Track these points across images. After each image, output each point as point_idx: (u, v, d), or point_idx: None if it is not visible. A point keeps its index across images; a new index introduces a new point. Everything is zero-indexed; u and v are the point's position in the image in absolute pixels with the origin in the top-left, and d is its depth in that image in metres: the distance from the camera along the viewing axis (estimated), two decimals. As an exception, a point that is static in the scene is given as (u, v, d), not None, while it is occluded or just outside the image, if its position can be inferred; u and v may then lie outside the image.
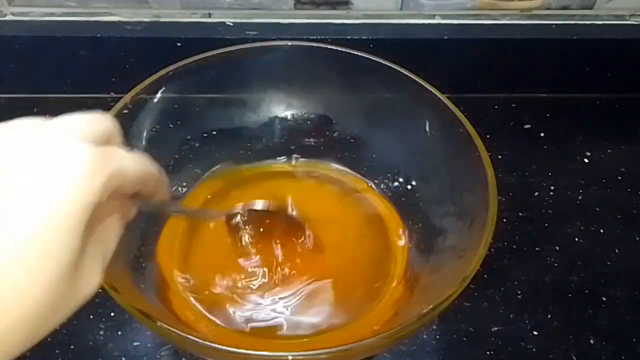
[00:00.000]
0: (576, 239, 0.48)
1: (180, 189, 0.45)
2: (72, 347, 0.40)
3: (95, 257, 0.22)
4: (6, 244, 0.18)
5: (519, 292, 0.44)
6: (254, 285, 0.40)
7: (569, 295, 0.44)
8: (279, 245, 0.41)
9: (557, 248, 0.47)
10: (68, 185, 0.19)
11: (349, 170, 0.47)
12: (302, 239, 0.42)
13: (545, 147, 0.55)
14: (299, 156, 0.48)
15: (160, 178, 0.27)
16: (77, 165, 0.20)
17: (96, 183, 0.20)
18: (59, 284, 0.19)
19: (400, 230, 0.43)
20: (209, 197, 0.45)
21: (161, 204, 0.30)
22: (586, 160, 0.54)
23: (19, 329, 0.18)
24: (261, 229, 0.41)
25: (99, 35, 0.53)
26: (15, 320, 0.18)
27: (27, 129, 0.21)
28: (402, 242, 0.43)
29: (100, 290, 0.23)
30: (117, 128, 0.25)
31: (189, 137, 0.45)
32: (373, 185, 0.46)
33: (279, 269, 0.41)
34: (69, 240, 0.19)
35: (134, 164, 0.23)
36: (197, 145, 0.45)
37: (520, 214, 0.49)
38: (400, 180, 0.45)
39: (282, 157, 0.48)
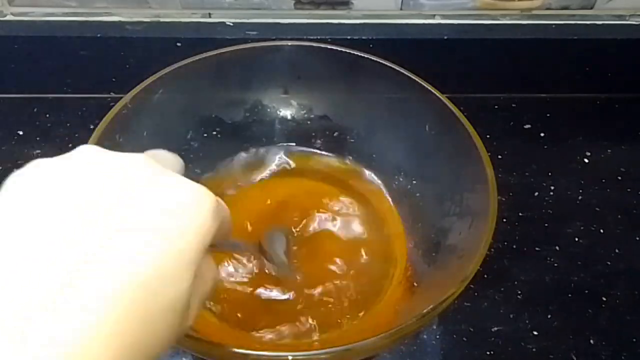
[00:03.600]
0: (576, 239, 0.48)
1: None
2: (72, 347, 0.40)
3: (196, 301, 0.22)
4: (128, 274, 0.18)
5: (519, 292, 0.44)
6: (255, 285, 0.40)
7: (569, 295, 0.44)
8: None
9: (557, 248, 0.47)
10: (194, 224, 0.20)
11: (349, 170, 0.47)
12: (303, 239, 0.42)
13: (545, 147, 0.55)
14: (299, 156, 0.48)
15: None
16: (204, 201, 0.21)
17: (214, 227, 0.21)
18: (168, 321, 0.20)
19: (401, 230, 0.43)
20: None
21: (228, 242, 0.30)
22: (586, 160, 0.54)
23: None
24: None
25: (99, 35, 0.53)
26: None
27: (143, 172, 0.21)
28: (402, 242, 0.43)
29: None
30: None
31: (189, 137, 0.45)
32: (373, 185, 0.46)
33: (279, 272, 0.41)
34: (186, 281, 0.20)
35: (228, 211, 0.24)
36: (197, 145, 0.45)
37: (520, 214, 0.49)
38: (401, 180, 0.45)
39: (282, 157, 0.48)
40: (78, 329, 0.17)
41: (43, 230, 0.19)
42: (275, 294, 0.40)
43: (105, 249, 0.18)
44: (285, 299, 0.39)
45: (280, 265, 0.39)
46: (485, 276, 0.44)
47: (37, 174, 0.20)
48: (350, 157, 0.47)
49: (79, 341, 0.17)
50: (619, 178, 0.52)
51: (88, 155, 0.22)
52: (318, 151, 0.48)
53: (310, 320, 0.39)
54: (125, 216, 0.19)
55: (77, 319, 0.17)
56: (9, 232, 0.19)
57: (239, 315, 0.39)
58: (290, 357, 0.27)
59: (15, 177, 0.20)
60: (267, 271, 0.40)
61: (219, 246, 0.26)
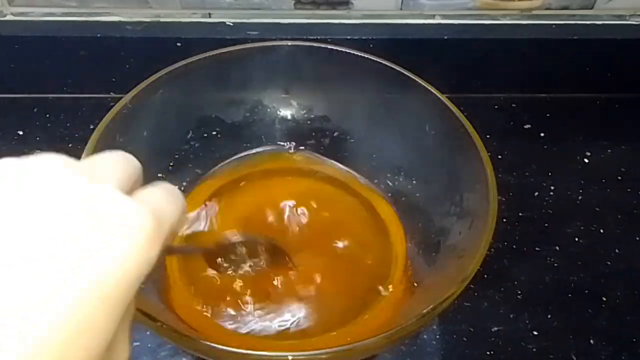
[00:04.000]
0: (576, 239, 0.48)
1: (180, 188, 0.45)
2: (72, 347, 0.40)
3: (124, 330, 0.19)
4: (48, 309, 0.15)
5: (519, 292, 0.44)
6: (255, 285, 0.40)
7: (569, 295, 0.44)
8: (281, 245, 0.41)
9: (557, 248, 0.47)
10: (124, 255, 0.17)
11: (349, 170, 0.47)
12: (303, 241, 0.42)
13: (545, 147, 0.55)
14: (299, 156, 0.48)
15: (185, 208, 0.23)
16: (136, 234, 0.17)
17: (152, 254, 0.18)
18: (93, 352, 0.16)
19: (401, 231, 0.43)
20: (208, 198, 0.45)
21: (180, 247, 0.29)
22: (586, 160, 0.54)
23: None
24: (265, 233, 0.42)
25: (99, 35, 0.53)
26: None
27: (61, 174, 0.18)
28: (402, 242, 0.43)
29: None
30: (140, 170, 0.22)
31: (189, 137, 0.45)
32: (373, 185, 0.46)
33: (280, 269, 0.41)
34: (111, 317, 0.17)
35: (177, 210, 0.21)
36: (197, 145, 0.45)
37: (520, 214, 0.49)
38: (401, 180, 0.45)
39: (282, 157, 0.48)
40: None
41: None
42: (274, 293, 0.40)
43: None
44: (285, 299, 0.39)
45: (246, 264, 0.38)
46: (485, 276, 0.44)
47: None
48: (350, 157, 0.47)
49: None
50: (619, 178, 0.52)
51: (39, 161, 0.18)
52: (318, 151, 0.48)
53: (310, 320, 0.39)
54: (39, 259, 0.16)
55: None
56: None
57: (238, 314, 0.39)
58: (290, 357, 0.27)
59: None
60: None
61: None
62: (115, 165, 0.20)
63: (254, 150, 0.47)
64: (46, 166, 0.18)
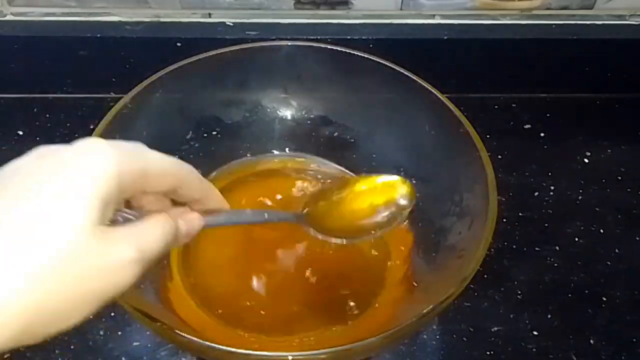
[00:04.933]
0: (576, 239, 0.48)
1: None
2: (72, 347, 0.40)
3: (125, 237, 0.22)
4: (30, 209, 0.20)
5: (519, 292, 0.44)
6: (255, 285, 0.40)
7: (569, 295, 0.44)
8: (281, 247, 0.41)
9: (557, 248, 0.47)
10: (84, 162, 0.21)
11: (349, 170, 0.47)
12: (303, 240, 0.42)
13: (545, 147, 0.55)
14: (299, 156, 0.48)
15: (204, 183, 0.29)
16: (92, 147, 0.22)
17: (107, 163, 0.22)
18: (78, 238, 0.20)
19: (401, 231, 0.43)
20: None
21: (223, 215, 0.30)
22: (586, 160, 0.54)
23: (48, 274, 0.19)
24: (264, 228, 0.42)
25: (99, 35, 0.53)
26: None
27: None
28: (402, 242, 0.43)
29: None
30: None
31: (189, 137, 0.45)
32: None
33: (280, 269, 0.41)
34: (83, 203, 0.20)
35: (157, 157, 0.25)
36: (197, 145, 0.45)
37: (520, 214, 0.49)
38: (400, 180, 0.45)
39: (282, 157, 0.48)
40: None
41: None
42: (274, 292, 0.40)
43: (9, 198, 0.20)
44: (284, 299, 0.39)
45: None
46: (485, 276, 0.44)
47: None
48: (350, 157, 0.47)
49: None
50: (619, 178, 0.52)
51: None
52: (318, 151, 0.48)
53: (309, 320, 0.39)
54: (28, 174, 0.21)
55: None
56: None
57: (237, 314, 0.39)
58: (290, 357, 0.27)
59: None
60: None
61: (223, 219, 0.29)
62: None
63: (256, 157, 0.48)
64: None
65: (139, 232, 0.23)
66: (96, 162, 0.21)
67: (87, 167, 0.21)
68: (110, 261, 0.21)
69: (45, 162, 0.21)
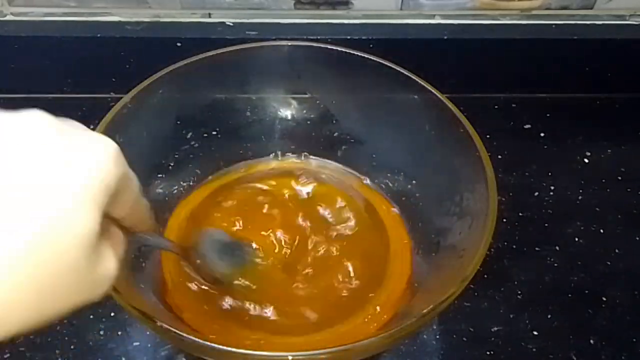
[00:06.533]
0: (576, 239, 0.48)
1: (181, 189, 0.45)
2: (72, 347, 0.40)
3: (109, 249, 0.23)
4: (41, 203, 0.19)
5: (519, 292, 0.44)
6: (255, 285, 0.40)
7: (569, 295, 0.44)
8: (281, 246, 0.41)
9: (557, 248, 0.47)
10: (98, 166, 0.21)
11: (349, 170, 0.47)
12: (303, 239, 0.42)
13: (545, 147, 0.55)
14: (299, 156, 0.48)
15: (150, 211, 0.28)
16: (109, 152, 0.22)
17: (117, 173, 0.22)
18: (78, 252, 0.20)
19: (401, 231, 0.43)
20: (208, 197, 0.45)
21: (151, 237, 0.30)
22: (586, 160, 0.54)
23: (39, 290, 0.19)
24: (264, 231, 0.42)
25: (99, 35, 0.53)
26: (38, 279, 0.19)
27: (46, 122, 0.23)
28: (402, 242, 0.43)
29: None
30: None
31: (189, 137, 0.45)
32: (373, 185, 0.46)
33: (280, 269, 0.41)
34: (91, 212, 0.20)
35: (136, 181, 0.25)
36: (197, 145, 0.45)
37: (520, 214, 0.49)
38: (400, 180, 0.45)
39: (282, 157, 0.48)
40: None
41: None
42: (272, 291, 0.40)
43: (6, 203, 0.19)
44: (284, 299, 0.39)
45: (216, 268, 0.38)
46: (485, 276, 0.44)
47: None
48: (350, 157, 0.47)
49: None
50: (619, 178, 0.52)
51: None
52: (318, 151, 0.48)
53: (309, 319, 0.39)
54: (24, 170, 0.20)
55: None
56: None
57: (235, 313, 0.39)
58: (290, 357, 0.27)
59: None
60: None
61: (143, 241, 0.29)
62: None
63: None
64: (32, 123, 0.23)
65: (117, 247, 0.24)
66: (109, 171, 0.21)
67: (102, 173, 0.21)
68: (98, 275, 0.21)
69: (54, 141, 0.21)
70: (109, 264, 0.22)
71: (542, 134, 0.56)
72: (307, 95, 0.47)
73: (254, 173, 0.47)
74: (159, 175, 0.43)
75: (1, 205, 0.19)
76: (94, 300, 0.22)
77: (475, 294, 0.44)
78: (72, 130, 0.22)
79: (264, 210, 0.43)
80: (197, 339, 0.28)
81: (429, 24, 0.56)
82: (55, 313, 0.20)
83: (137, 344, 0.40)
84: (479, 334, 0.42)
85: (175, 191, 0.44)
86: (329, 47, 0.43)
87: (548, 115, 0.57)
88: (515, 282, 0.45)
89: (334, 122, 0.47)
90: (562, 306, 0.44)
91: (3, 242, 0.18)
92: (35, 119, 0.23)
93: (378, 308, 0.39)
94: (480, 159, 0.36)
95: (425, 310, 0.30)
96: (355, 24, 0.55)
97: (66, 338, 0.40)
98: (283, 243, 0.41)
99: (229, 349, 0.28)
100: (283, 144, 0.48)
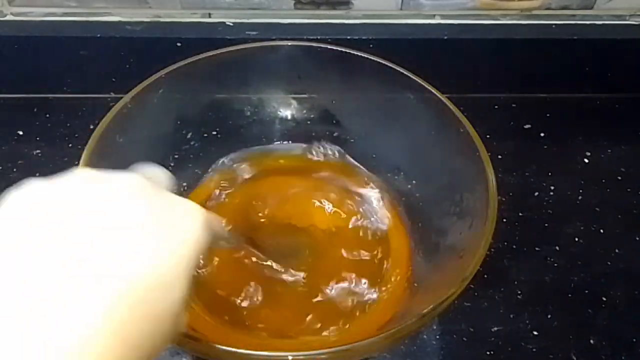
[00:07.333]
0: (576, 239, 0.48)
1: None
2: (72, 347, 0.40)
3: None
4: (139, 275, 0.20)
5: (519, 292, 0.44)
6: (255, 285, 0.40)
7: (569, 295, 0.44)
8: (281, 247, 0.41)
9: (557, 248, 0.47)
10: (189, 236, 0.22)
11: (349, 169, 0.47)
12: (304, 241, 0.42)
13: (545, 147, 0.55)
14: (297, 156, 0.48)
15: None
16: (197, 216, 0.23)
17: (207, 239, 0.23)
18: (172, 317, 0.21)
19: (402, 230, 0.43)
20: (207, 200, 0.45)
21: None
22: (586, 160, 0.54)
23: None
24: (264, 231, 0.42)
25: (99, 35, 0.53)
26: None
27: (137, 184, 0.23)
28: (402, 242, 0.43)
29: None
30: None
31: (189, 137, 0.45)
32: (373, 185, 0.46)
33: (280, 269, 0.41)
34: (186, 280, 0.21)
35: (220, 225, 0.27)
36: (197, 145, 0.45)
37: (520, 214, 0.49)
38: (401, 180, 0.45)
39: (282, 157, 0.48)
40: (79, 333, 0.18)
41: (41, 247, 0.19)
42: (273, 292, 0.40)
43: (109, 258, 0.19)
44: (284, 300, 0.39)
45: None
46: (485, 276, 0.44)
47: (34, 194, 0.22)
48: (350, 157, 0.47)
49: (79, 345, 0.17)
50: (619, 178, 0.52)
51: (85, 176, 0.23)
52: (318, 151, 0.48)
53: (309, 319, 0.39)
54: (126, 230, 0.21)
55: (78, 322, 0.18)
56: (9, 246, 0.19)
57: (235, 313, 0.39)
58: (290, 357, 0.27)
59: (14, 194, 0.21)
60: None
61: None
62: (163, 174, 0.27)
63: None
64: (130, 185, 0.23)
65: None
66: (202, 239, 0.22)
67: (197, 241, 0.22)
68: (179, 332, 0.23)
69: (150, 212, 0.22)
70: (185, 316, 0.23)
71: (542, 134, 0.56)
72: (307, 95, 0.47)
73: (253, 173, 0.47)
74: (159, 175, 0.43)
75: (100, 266, 0.19)
76: (172, 344, 0.24)
77: (475, 294, 0.44)
78: (162, 202, 0.23)
79: (264, 208, 0.43)
80: (197, 340, 0.28)
81: (429, 24, 0.56)
82: None
83: (137, 344, 0.40)
84: (479, 334, 0.42)
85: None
86: (329, 47, 0.43)
87: (548, 115, 0.57)
88: (515, 282, 0.45)
89: (334, 122, 0.47)
90: (562, 306, 0.44)
91: (107, 300, 0.19)
92: (130, 180, 0.23)
93: (378, 308, 0.39)
94: (480, 159, 0.36)
95: (425, 310, 0.30)
96: (355, 24, 0.55)
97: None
98: (283, 243, 0.41)
99: (229, 349, 0.28)
100: (282, 144, 0.48)
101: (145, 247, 0.20)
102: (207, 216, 0.24)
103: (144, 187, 0.23)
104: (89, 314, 0.18)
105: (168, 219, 0.22)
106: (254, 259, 0.40)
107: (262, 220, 0.43)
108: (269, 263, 0.40)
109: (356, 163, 0.47)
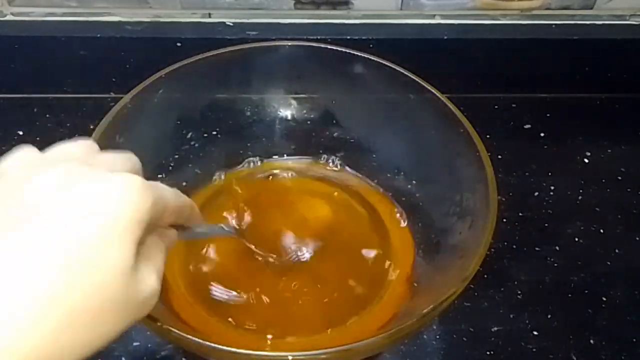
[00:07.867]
0: (576, 239, 0.48)
1: (180, 189, 0.45)
2: (72, 347, 0.40)
3: (148, 267, 0.24)
4: (72, 244, 0.20)
5: (519, 292, 0.44)
6: (255, 285, 0.40)
7: (569, 295, 0.44)
8: (280, 248, 0.41)
9: (557, 248, 0.47)
10: (123, 204, 0.22)
11: (349, 170, 0.47)
12: (305, 240, 0.42)
13: (545, 147, 0.55)
14: (299, 156, 0.48)
15: (194, 208, 0.30)
16: (131, 188, 0.22)
17: (145, 205, 0.23)
18: (116, 281, 0.21)
19: (401, 230, 0.43)
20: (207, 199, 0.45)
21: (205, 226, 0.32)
22: (586, 160, 0.54)
23: (81, 324, 0.20)
24: (264, 232, 0.42)
25: (99, 35, 0.53)
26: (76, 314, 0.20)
27: (77, 157, 0.25)
28: (402, 242, 0.43)
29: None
30: (140, 166, 0.28)
31: (189, 137, 0.45)
32: (373, 185, 0.46)
33: (280, 269, 0.41)
34: (123, 246, 0.21)
35: (172, 195, 0.26)
36: (197, 145, 0.45)
37: (520, 214, 0.49)
38: (401, 180, 0.45)
39: (282, 157, 0.48)
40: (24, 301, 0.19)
41: None
42: (272, 291, 0.40)
43: (42, 227, 0.20)
44: (283, 298, 0.39)
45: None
46: (485, 276, 0.44)
47: None
48: (350, 157, 0.47)
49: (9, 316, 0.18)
50: (619, 178, 0.52)
51: (24, 154, 0.24)
52: (318, 151, 0.48)
53: (309, 319, 0.39)
54: (59, 201, 0.21)
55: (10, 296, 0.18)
56: None
57: (235, 313, 0.39)
58: (290, 357, 0.27)
59: None
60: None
61: (195, 234, 0.31)
62: (115, 160, 0.27)
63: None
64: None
65: (156, 260, 0.25)
66: (137, 205, 0.22)
67: (128, 208, 0.22)
68: (141, 297, 0.22)
69: (79, 188, 0.22)
70: (150, 280, 0.23)
71: (542, 134, 0.56)
72: (307, 95, 0.47)
73: (253, 173, 0.47)
74: (159, 176, 0.43)
75: (34, 243, 0.20)
76: (144, 314, 0.24)
77: (475, 294, 0.44)
78: (88, 177, 0.23)
79: (265, 210, 0.43)
80: (197, 339, 0.28)
81: (429, 24, 0.56)
82: (106, 339, 0.22)
83: (137, 344, 0.40)
84: (479, 334, 0.42)
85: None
86: (329, 47, 0.43)
87: (548, 115, 0.57)
88: (515, 282, 0.45)
89: (334, 122, 0.47)
90: (562, 306, 0.44)
91: (42, 280, 0.19)
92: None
93: (378, 308, 0.39)
94: (480, 159, 0.36)
95: (425, 310, 0.30)
96: (355, 24, 0.55)
97: (66, 338, 0.40)
98: (284, 246, 0.41)
99: (229, 349, 0.28)
100: (283, 144, 0.48)
101: (81, 214, 0.21)
102: (144, 183, 0.23)
103: (82, 165, 0.23)
104: (27, 285, 0.19)
105: (95, 187, 0.22)
106: (253, 259, 0.40)
107: (263, 218, 0.43)
108: (269, 260, 0.40)
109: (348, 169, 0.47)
